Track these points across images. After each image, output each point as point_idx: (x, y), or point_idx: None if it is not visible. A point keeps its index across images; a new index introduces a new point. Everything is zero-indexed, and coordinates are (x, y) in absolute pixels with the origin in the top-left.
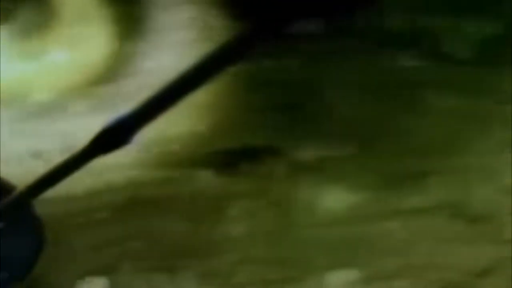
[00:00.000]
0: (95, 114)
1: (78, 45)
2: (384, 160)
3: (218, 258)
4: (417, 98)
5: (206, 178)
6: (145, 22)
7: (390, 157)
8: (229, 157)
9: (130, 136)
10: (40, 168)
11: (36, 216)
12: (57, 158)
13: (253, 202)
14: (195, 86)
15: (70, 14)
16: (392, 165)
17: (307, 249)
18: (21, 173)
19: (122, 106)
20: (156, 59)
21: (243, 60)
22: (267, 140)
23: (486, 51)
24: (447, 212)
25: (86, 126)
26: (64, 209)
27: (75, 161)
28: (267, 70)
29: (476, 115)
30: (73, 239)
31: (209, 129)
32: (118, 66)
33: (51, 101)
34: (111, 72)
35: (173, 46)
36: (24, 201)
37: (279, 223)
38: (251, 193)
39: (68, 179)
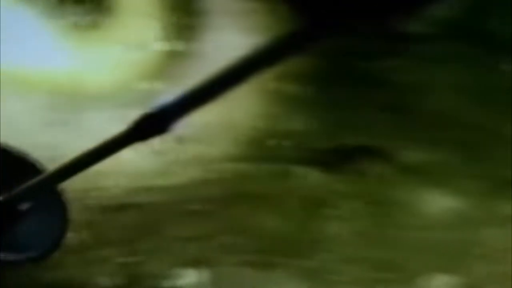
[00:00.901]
0: None
1: (179, 36)
2: (488, 167)
3: (316, 256)
4: None
5: (311, 176)
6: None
7: (495, 164)
8: (335, 156)
9: (169, 124)
10: (137, 158)
11: (63, 199)
12: (156, 147)
13: (355, 202)
14: (237, 80)
15: (170, 4)
16: (496, 171)
17: (405, 251)
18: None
19: None
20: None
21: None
22: (373, 141)
23: None
24: None
25: (193, 118)
26: (168, 199)
27: (110, 147)
28: (376, 71)
29: None
30: (174, 229)
31: (318, 127)
32: (214, 55)
33: (152, 89)
34: (208, 62)
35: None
36: (52, 183)
37: (379, 224)
38: (354, 193)
39: (177, 168)
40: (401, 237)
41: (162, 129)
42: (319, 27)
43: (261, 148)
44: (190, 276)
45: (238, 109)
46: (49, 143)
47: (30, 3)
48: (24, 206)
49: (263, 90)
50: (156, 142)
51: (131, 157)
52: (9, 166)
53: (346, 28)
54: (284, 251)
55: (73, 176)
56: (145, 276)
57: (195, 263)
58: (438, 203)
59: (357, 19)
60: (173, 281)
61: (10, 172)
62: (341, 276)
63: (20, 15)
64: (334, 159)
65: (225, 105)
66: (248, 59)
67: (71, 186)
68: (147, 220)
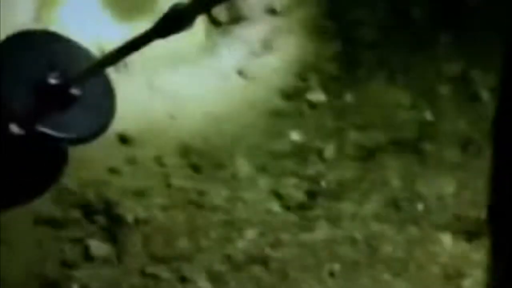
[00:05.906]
0: (343, 160)
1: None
2: None
3: None
4: None
5: (444, 242)
6: None
7: None
8: (472, 224)
9: (189, 21)
10: (280, 211)
11: (110, 85)
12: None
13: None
14: None
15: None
16: None
17: None
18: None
19: None
20: None
21: None
22: None
23: None
24: None
25: (334, 172)
26: (306, 255)
27: (138, 40)
28: None
29: None
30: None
31: (466, 193)
32: None
33: (303, 141)
34: None
35: None
36: (99, 69)
37: None
38: (488, 264)
39: (317, 224)
40: None
41: (183, 26)
42: None
43: (404, 210)
44: None
45: (384, 168)
46: None
47: None
48: (76, 91)
49: (413, 150)
50: (300, 196)
51: (276, 209)
52: (63, 52)
53: None
54: None
55: (118, 62)
56: None
57: None
58: None
59: None
60: None
61: (65, 58)
62: None
63: None
64: (479, 228)
65: (375, 162)
66: None
67: (214, 234)
68: (282, 275)
